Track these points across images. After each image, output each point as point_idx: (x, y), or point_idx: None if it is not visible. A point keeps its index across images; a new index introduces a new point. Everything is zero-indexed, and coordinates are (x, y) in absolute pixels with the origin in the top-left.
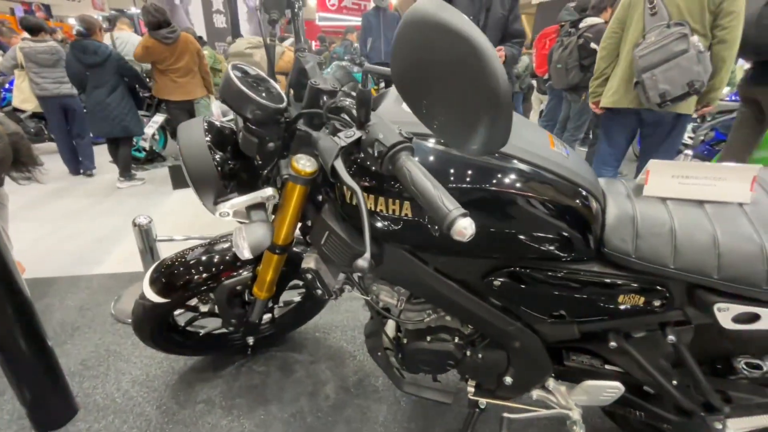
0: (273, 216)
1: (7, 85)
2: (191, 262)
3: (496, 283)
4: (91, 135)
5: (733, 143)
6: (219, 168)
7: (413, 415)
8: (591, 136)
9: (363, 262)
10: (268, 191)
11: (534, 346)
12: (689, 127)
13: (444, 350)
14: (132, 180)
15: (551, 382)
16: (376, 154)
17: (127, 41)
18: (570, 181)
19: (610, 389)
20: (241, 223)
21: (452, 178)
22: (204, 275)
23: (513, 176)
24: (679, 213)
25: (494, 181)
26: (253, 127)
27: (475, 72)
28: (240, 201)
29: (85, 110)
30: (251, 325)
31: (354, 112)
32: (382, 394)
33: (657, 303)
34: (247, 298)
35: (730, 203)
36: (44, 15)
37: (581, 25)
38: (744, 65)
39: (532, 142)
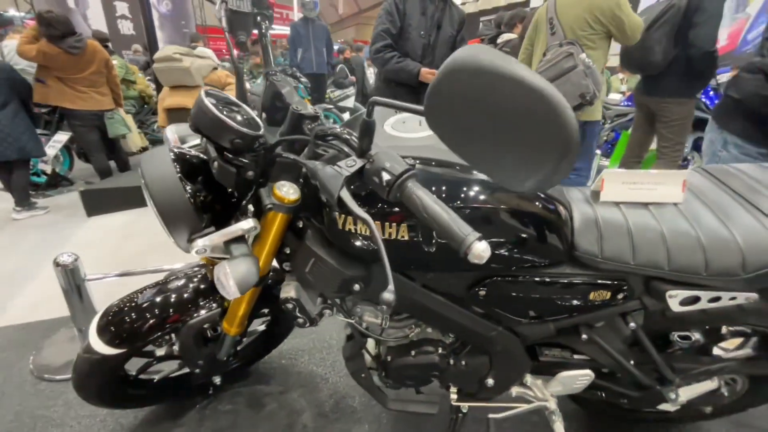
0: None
1: None
2: (145, 304)
3: (482, 293)
4: None
5: (632, 143)
6: (192, 201)
7: (396, 428)
8: None
9: (389, 295)
10: (249, 223)
11: (514, 347)
12: None
13: (429, 362)
14: (32, 209)
15: (528, 378)
16: (385, 183)
17: (14, 49)
18: (542, 192)
19: (582, 377)
20: (218, 259)
21: (443, 197)
22: (164, 317)
23: (496, 192)
24: (632, 215)
25: (480, 198)
26: (231, 156)
27: (547, 121)
28: (218, 236)
29: None
30: (219, 363)
31: (351, 139)
32: (361, 414)
33: (620, 296)
34: (209, 335)
35: (668, 204)
36: None
37: (499, 40)
38: (619, 76)
39: None
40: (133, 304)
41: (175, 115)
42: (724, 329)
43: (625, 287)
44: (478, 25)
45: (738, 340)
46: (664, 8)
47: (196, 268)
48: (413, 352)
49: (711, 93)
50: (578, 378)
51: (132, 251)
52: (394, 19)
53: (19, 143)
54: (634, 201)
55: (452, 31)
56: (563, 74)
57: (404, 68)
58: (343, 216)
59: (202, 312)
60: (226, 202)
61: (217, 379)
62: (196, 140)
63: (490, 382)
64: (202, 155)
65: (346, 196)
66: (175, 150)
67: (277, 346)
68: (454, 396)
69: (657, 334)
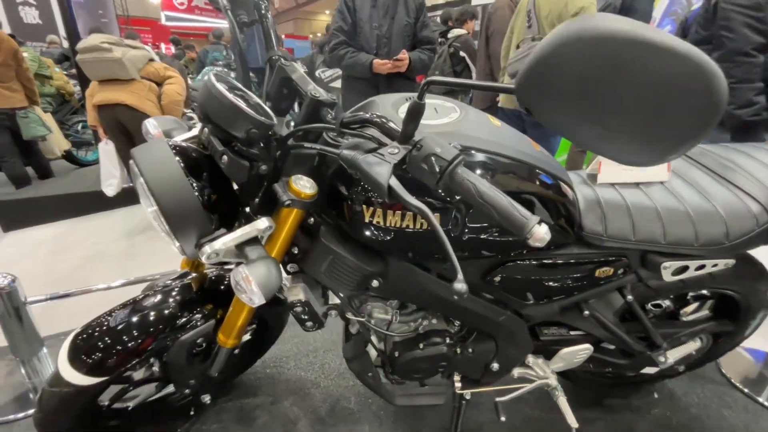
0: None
1: None
2: (125, 324)
3: (497, 278)
4: None
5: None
6: (201, 201)
7: (398, 424)
8: None
9: (461, 285)
10: (265, 222)
11: (519, 330)
12: None
13: (437, 353)
14: None
15: (530, 358)
16: (437, 169)
17: None
18: (555, 176)
19: (582, 351)
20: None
21: None
22: (149, 336)
23: (515, 176)
24: (628, 194)
25: (501, 182)
26: (244, 148)
27: (693, 87)
28: (232, 238)
29: None
30: (210, 380)
31: (389, 125)
32: (359, 414)
33: (620, 271)
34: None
35: (655, 183)
36: None
37: (449, 35)
38: None
39: (519, 141)
40: (110, 324)
41: (108, 112)
42: (689, 295)
43: (625, 263)
44: None
45: (695, 305)
46: (601, 8)
47: (175, 279)
48: (421, 345)
49: None
50: (579, 353)
51: (66, 268)
52: (345, 16)
53: None
54: (628, 181)
55: (408, 20)
56: None
57: (357, 62)
58: (371, 209)
59: (194, 326)
60: (232, 201)
61: (207, 398)
62: (185, 134)
63: (495, 366)
64: (201, 149)
65: (396, 184)
66: (175, 142)
67: (263, 354)
68: (458, 384)
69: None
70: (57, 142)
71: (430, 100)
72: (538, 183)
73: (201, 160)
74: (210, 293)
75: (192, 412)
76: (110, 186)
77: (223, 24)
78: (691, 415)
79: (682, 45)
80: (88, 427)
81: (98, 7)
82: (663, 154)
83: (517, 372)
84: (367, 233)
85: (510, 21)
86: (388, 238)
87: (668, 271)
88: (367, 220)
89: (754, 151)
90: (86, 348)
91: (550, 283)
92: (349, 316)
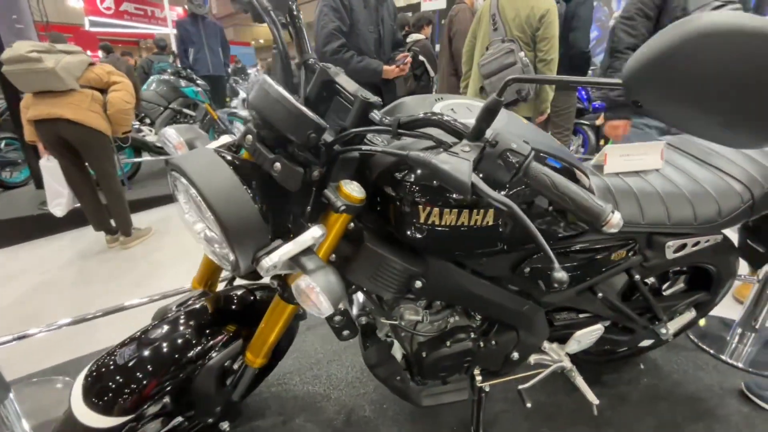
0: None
1: None
2: (142, 357)
3: (527, 270)
4: None
5: None
6: (261, 212)
7: (417, 426)
8: None
9: (561, 273)
10: (318, 230)
11: (539, 318)
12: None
13: (464, 349)
14: None
15: (545, 344)
16: (516, 164)
17: None
18: (576, 167)
19: (595, 331)
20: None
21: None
22: (174, 365)
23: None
24: (632, 182)
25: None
26: (300, 154)
27: None
28: (289, 249)
29: None
30: (233, 405)
31: (456, 123)
32: (377, 421)
33: (630, 253)
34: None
35: (651, 170)
36: None
37: (408, 40)
38: None
39: (544, 136)
40: (128, 356)
41: (47, 127)
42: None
43: (634, 245)
44: None
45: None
46: None
47: (188, 302)
48: (448, 343)
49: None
50: (592, 333)
51: (12, 302)
52: (342, 15)
53: None
54: (630, 170)
55: (392, 23)
56: (504, 69)
57: (367, 67)
58: (427, 209)
59: (220, 349)
60: (279, 210)
61: (225, 425)
62: (211, 143)
63: (515, 355)
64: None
65: (477, 181)
66: (223, 151)
67: (271, 372)
68: (479, 378)
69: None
70: None
71: (459, 100)
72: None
73: (248, 169)
74: (228, 312)
75: None
76: (59, 206)
77: (156, 30)
78: (675, 380)
79: None
80: None
81: (11, 11)
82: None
83: (533, 359)
84: (418, 234)
85: (471, 23)
86: (440, 237)
87: (671, 249)
88: (421, 221)
89: None
90: (104, 386)
91: (573, 270)
92: (383, 320)
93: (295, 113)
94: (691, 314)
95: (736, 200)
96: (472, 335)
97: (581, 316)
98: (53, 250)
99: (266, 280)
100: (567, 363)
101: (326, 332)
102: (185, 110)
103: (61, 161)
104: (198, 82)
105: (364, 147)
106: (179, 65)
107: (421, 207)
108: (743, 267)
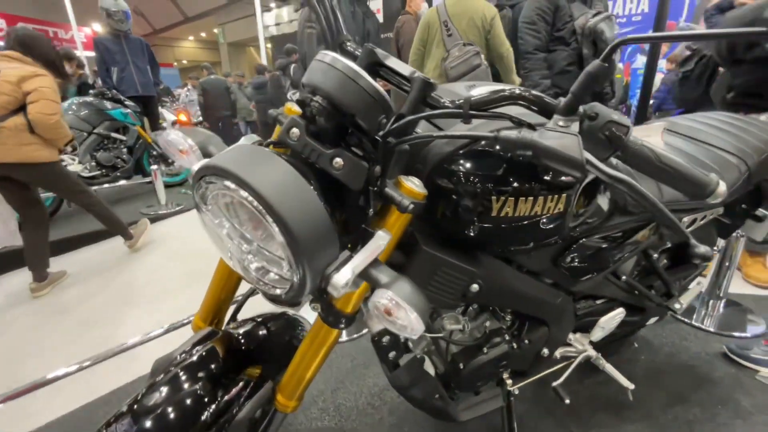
0: None
1: None
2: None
3: (568, 259)
4: None
5: None
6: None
7: None
8: None
9: (704, 248)
10: (384, 236)
11: (569, 309)
12: None
13: (501, 353)
14: None
15: (570, 336)
16: (620, 136)
17: None
18: None
19: (618, 315)
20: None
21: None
22: (199, 427)
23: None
24: None
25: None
26: (361, 146)
27: None
28: (360, 260)
29: None
30: None
31: (544, 98)
32: None
33: (651, 233)
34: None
35: None
36: None
37: None
38: None
39: None
40: (141, 418)
41: None
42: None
43: (654, 224)
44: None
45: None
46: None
47: (194, 346)
48: (485, 349)
49: None
50: (614, 319)
51: None
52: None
53: None
54: None
55: (377, 39)
56: (472, 70)
57: None
58: (501, 199)
59: (248, 397)
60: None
61: None
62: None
63: (546, 351)
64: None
65: (590, 157)
66: (281, 154)
67: None
68: (509, 381)
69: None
70: None
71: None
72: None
73: (303, 167)
74: (243, 352)
75: None
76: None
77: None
78: (667, 353)
79: None
80: None
81: None
82: None
83: (558, 353)
84: (486, 229)
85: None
86: (510, 230)
87: (685, 225)
88: (493, 213)
89: (705, 118)
90: None
91: (605, 254)
92: (425, 334)
93: (371, 92)
94: (699, 287)
95: (735, 172)
96: (506, 337)
97: (598, 302)
98: None
99: (267, 308)
100: (592, 351)
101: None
102: (114, 134)
103: (4, 193)
104: (126, 103)
105: (436, 134)
106: (101, 86)
107: (494, 198)
108: None
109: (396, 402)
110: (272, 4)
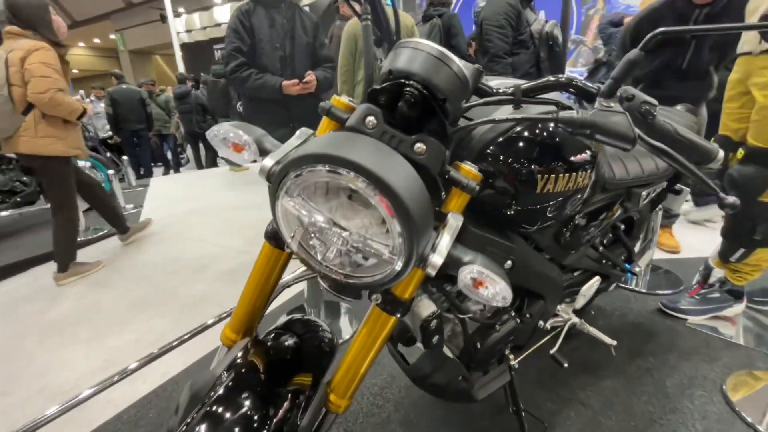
0: None
1: None
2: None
3: (567, 235)
4: None
5: None
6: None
7: (451, 424)
8: None
9: (732, 198)
10: (457, 216)
11: (560, 282)
12: None
13: (510, 329)
14: None
15: (558, 307)
16: (652, 114)
17: None
18: None
19: (595, 284)
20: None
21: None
22: None
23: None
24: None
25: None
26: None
27: None
28: (447, 240)
29: None
30: None
31: (586, 83)
32: None
33: (619, 207)
34: None
35: None
36: None
37: None
38: None
39: None
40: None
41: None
42: None
43: (622, 199)
44: (213, 53)
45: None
46: (429, 29)
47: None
48: (497, 326)
49: None
50: (592, 286)
51: None
52: (242, 36)
53: None
54: None
55: (308, 39)
56: None
57: (265, 84)
58: (545, 176)
59: (305, 408)
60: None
61: None
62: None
63: (541, 323)
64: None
65: (640, 132)
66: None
67: None
68: (511, 356)
69: None
70: None
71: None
72: (585, 141)
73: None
74: (283, 362)
75: None
76: None
77: None
78: (619, 315)
79: None
80: None
81: None
82: None
83: (549, 324)
84: (529, 206)
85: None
86: (548, 206)
87: (643, 198)
88: (537, 190)
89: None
90: None
91: (592, 229)
92: (449, 315)
93: (461, 76)
94: (652, 250)
95: None
96: (513, 313)
97: (576, 274)
98: None
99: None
100: (575, 318)
101: None
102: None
103: None
104: None
105: (498, 118)
106: None
107: (539, 176)
108: None
109: (399, 397)
110: (181, 9)
